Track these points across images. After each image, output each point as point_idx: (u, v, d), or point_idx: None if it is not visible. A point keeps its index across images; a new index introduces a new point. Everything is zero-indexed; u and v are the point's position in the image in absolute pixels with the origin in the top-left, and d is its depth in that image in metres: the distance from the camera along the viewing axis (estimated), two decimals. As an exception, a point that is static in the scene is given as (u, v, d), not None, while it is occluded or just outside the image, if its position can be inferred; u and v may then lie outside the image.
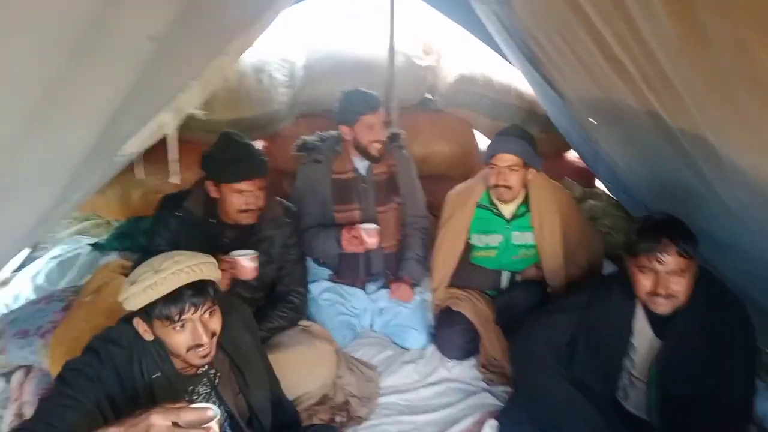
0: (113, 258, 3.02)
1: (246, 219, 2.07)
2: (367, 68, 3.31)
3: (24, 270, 3.08)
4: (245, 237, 2.12)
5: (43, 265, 3.09)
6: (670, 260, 1.70)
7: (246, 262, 1.98)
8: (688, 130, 1.67)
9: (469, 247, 2.61)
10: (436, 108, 3.53)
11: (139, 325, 1.38)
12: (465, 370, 2.49)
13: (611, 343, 1.99)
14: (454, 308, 2.55)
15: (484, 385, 2.41)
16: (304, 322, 2.33)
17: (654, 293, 1.75)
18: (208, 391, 1.51)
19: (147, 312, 1.34)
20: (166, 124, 1.05)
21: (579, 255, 2.55)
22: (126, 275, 2.16)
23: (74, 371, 1.35)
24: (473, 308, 2.53)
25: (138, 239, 3.16)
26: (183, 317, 1.34)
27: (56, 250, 3.20)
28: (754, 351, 1.94)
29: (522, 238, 2.55)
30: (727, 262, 2.34)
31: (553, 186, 2.61)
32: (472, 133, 3.67)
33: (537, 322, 2.14)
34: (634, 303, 1.93)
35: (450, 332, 2.52)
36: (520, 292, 2.50)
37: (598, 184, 3.86)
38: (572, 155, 3.83)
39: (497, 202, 2.53)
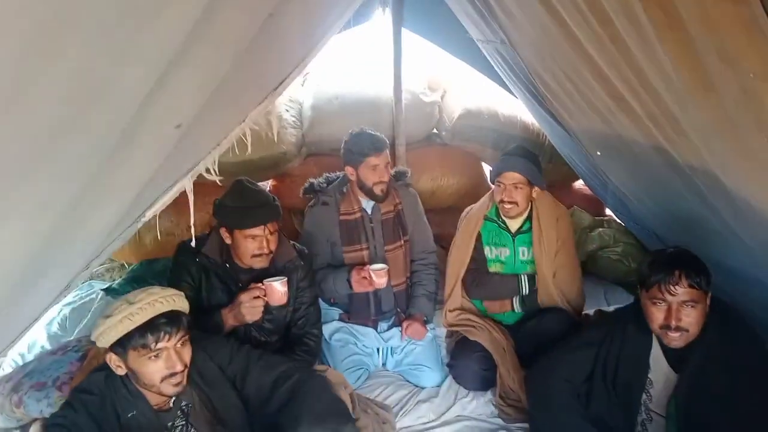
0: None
1: (259, 263, 2.10)
2: (373, 106, 3.36)
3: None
4: (260, 281, 2.13)
5: (56, 312, 3.10)
6: (681, 291, 1.71)
7: (278, 286, 2.06)
8: (696, 165, 1.68)
9: (485, 259, 2.65)
10: (442, 143, 3.56)
11: (112, 360, 1.44)
12: (481, 407, 2.46)
13: (629, 379, 1.97)
14: (471, 338, 2.55)
15: (500, 422, 2.38)
16: (319, 367, 2.32)
17: (666, 326, 1.76)
18: (183, 423, 1.55)
19: (122, 344, 1.40)
20: (185, 187, 1.08)
21: (562, 280, 2.59)
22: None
23: (54, 426, 1.43)
24: (489, 337, 2.52)
25: (151, 282, 3.17)
26: (158, 345, 1.40)
27: (69, 297, 3.21)
28: None
29: (528, 254, 2.60)
30: (744, 293, 2.32)
31: (557, 205, 2.68)
32: (480, 164, 3.69)
33: (555, 359, 2.12)
34: (650, 337, 1.92)
35: (468, 360, 2.52)
36: (544, 321, 2.50)
37: (608, 212, 3.85)
38: (580, 184, 3.84)
39: (504, 217, 2.60)
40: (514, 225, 2.62)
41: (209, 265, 2.12)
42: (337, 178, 2.69)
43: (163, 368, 1.43)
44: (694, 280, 1.71)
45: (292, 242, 2.32)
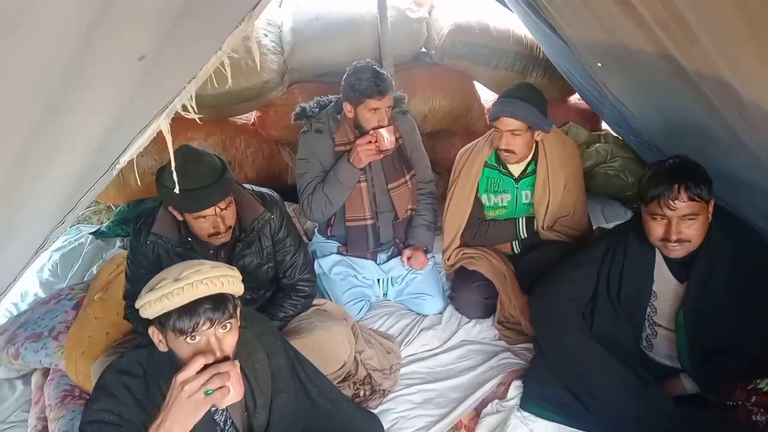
0: (117, 249, 2.97)
1: (218, 241, 1.92)
2: (356, 26, 3.16)
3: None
4: (232, 245, 2.00)
5: (46, 258, 3.05)
6: (681, 205, 1.68)
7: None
8: (707, 74, 1.58)
9: (481, 207, 2.55)
10: (432, 62, 3.39)
11: (155, 334, 1.33)
12: (484, 331, 2.48)
13: (633, 292, 1.97)
14: (470, 267, 2.52)
15: (504, 344, 2.41)
16: (318, 301, 2.30)
17: (666, 239, 1.74)
18: (224, 409, 1.46)
19: (161, 322, 1.28)
20: (161, 127, 0.97)
21: (568, 220, 2.49)
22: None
23: (95, 424, 1.30)
24: (489, 265, 2.50)
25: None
26: (196, 332, 1.27)
27: (58, 242, 3.15)
28: None
29: (530, 197, 2.49)
30: (747, 201, 2.29)
31: (565, 144, 2.51)
32: (473, 84, 3.53)
33: (557, 279, 2.10)
34: (652, 250, 1.90)
35: (467, 290, 2.50)
36: (541, 252, 2.44)
37: (604, 126, 3.75)
38: (576, 99, 3.71)
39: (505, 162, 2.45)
40: (516, 170, 2.46)
41: (163, 245, 1.93)
42: (330, 102, 2.54)
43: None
44: (695, 192, 1.67)
45: (257, 190, 2.12)
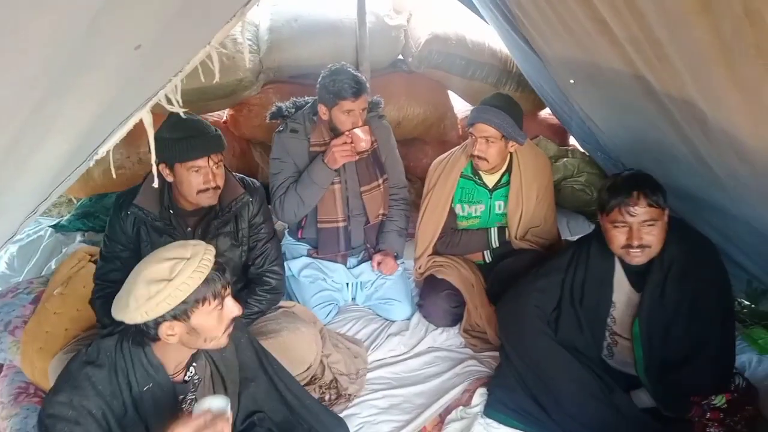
0: (78, 243, 2.88)
1: (207, 200, 1.93)
2: (335, 30, 3.16)
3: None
4: (208, 222, 2.00)
5: (2, 250, 2.93)
6: (641, 211, 1.76)
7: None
8: (676, 94, 1.64)
9: (455, 217, 2.57)
10: (408, 70, 3.41)
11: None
12: (451, 338, 2.50)
13: (594, 302, 2.03)
14: (438, 276, 2.54)
15: (470, 352, 2.43)
16: (285, 303, 2.27)
17: (628, 246, 1.80)
18: (193, 397, 1.48)
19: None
20: (143, 119, 0.95)
21: (539, 231, 2.55)
22: (94, 262, 2.07)
23: (53, 418, 1.28)
24: (458, 274, 2.52)
25: (102, 218, 3.03)
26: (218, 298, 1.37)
27: (16, 234, 3.03)
28: (731, 293, 2.01)
29: (504, 207, 2.52)
30: (705, 218, 2.37)
31: (538, 157, 2.56)
32: (447, 94, 3.57)
33: (524, 288, 2.14)
34: (612, 260, 1.97)
35: (436, 298, 2.51)
36: (513, 260, 2.48)
37: (572, 141, 3.84)
38: (546, 113, 3.79)
39: (480, 172, 2.48)
40: (491, 180, 2.49)
41: (144, 218, 1.94)
42: (306, 103, 2.53)
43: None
44: (652, 199, 1.76)
45: (239, 176, 2.14)
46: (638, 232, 1.78)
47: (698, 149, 1.85)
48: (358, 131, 2.28)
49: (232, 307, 1.41)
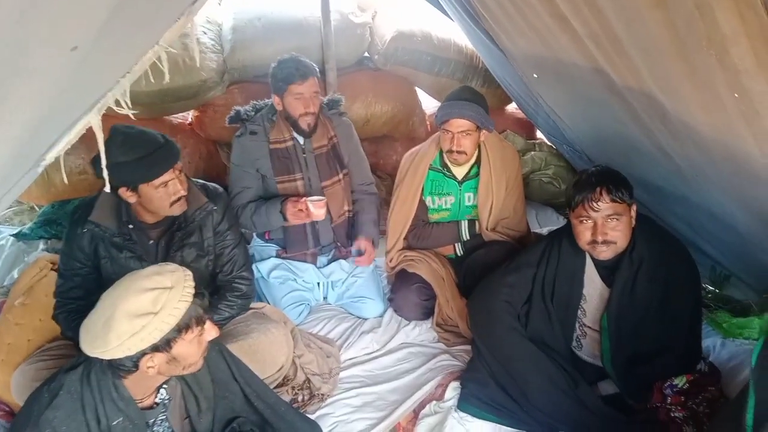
0: (40, 252, 2.81)
1: (179, 208, 1.89)
2: (300, 28, 3.13)
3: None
4: (171, 234, 1.95)
5: (-39, 261, 2.84)
6: (604, 206, 1.80)
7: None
8: (635, 87, 1.67)
9: (426, 209, 2.58)
10: (375, 67, 3.40)
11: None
12: (423, 333, 2.50)
13: (565, 295, 2.06)
14: (409, 270, 2.54)
15: (443, 346, 2.44)
16: (256, 304, 2.25)
17: (593, 241, 1.84)
18: (163, 418, 1.45)
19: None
20: (91, 123, 0.92)
21: (510, 222, 2.58)
22: (57, 270, 2.01)
23: None
24: (428, 268, 2.53)
25: (64, 225, 2.95)
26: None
27: (-28, 244, 2.95)
28: (699, 287, 2.06)
29: (473, 199, 2.54)
30: (668, 208, 2.43)
31: (505, 146, 2.59)
32: (414, 90, 3.57)
33: (495, 283, 2.16)
34: (583, 255, 2.00)
35: (407, 292, 2.52)
36: (485, 251, 2.49)
37: (539, 134, 3.89)
38: (513, 108, 3.83)
39: (449, 164, 2.50)
40: (460, 172, 2.52)
41: (101, 235, 1.86)
42: (266, 105, 2.51)
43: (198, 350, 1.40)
44: (616, 195, 1.80)
45: (200, 182, 2.09)
46: (603, 227, 1.81)
47: (659, 140, 1.89)
48: (311, 205, 2.27)
49: (211, 331, 1.38)
